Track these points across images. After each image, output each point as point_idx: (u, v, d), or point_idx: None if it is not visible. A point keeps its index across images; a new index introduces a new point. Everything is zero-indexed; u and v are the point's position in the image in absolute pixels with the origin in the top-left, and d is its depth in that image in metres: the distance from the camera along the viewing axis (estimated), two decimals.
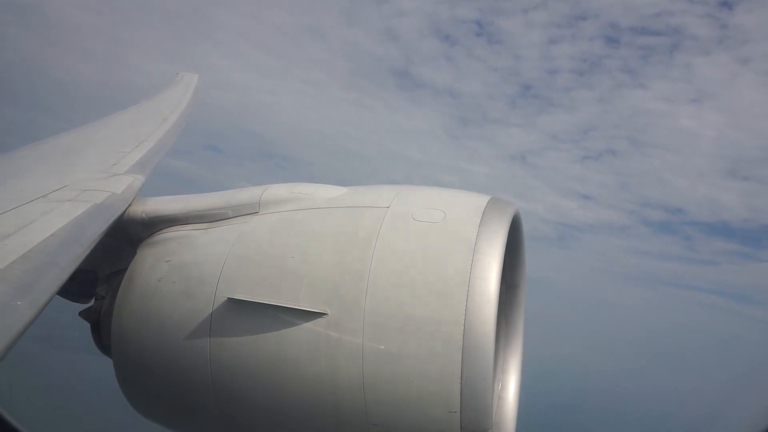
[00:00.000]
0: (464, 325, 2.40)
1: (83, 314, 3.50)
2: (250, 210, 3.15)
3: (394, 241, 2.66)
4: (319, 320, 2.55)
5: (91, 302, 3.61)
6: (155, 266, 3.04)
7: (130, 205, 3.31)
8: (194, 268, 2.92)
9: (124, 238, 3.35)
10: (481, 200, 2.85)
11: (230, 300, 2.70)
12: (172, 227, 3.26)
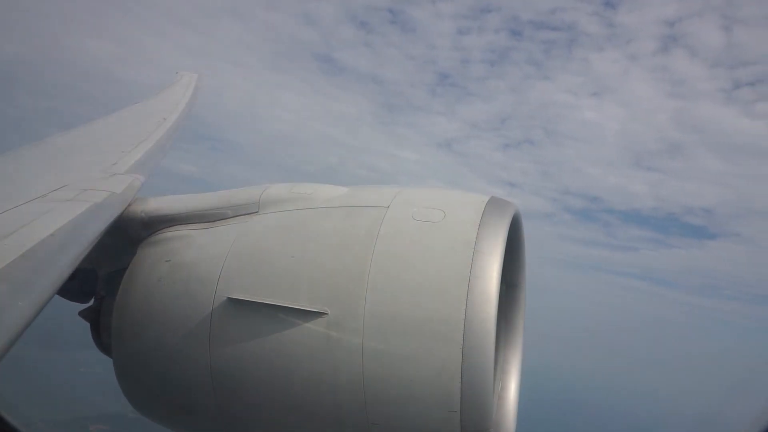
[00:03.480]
0: (464, 324, 2.40)
1: (83, 313, 3.50)
2: (250, 210, 3.15)
3: (394, 241, 2.66)
4: (319, 320, 2.55)
5: (91, 301, 3.61)
6: (155, 266, 3.04)
7: (129, 204, 3.31)
8: (194, 267, 2.92)
9: (124, 237, 3.34)
10: (481, 200, 2.85)
11: (230, 300, 2.70)
12: (172, 227, 3.26)
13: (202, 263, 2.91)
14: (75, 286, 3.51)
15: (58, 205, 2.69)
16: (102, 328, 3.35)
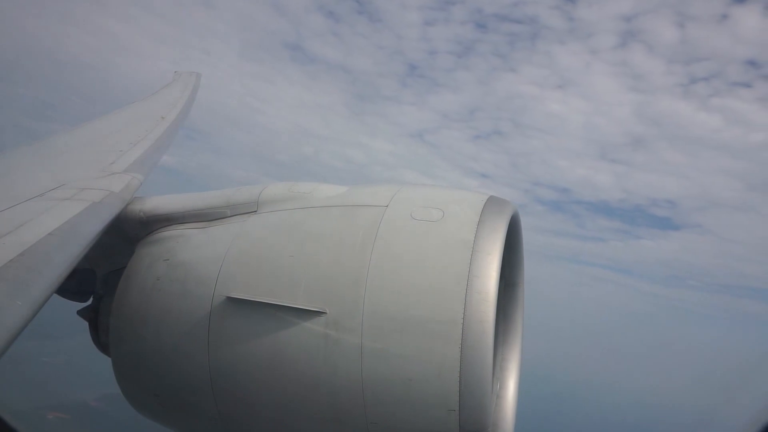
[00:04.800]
0: (463, 323, 2.40)
1: (81, 313, 3.50)
2: (249, 209, 3.15)
3: (392, 240, 2.66)
4: (318, 319, 2.55)
5: (90, 301, 3.61)
6: (153, 265, 3.04)
7: (128, 204, 3.30)
8: (192, 267, 2.92)
9: (123, 236, 3.34)
10: (480, 199, 2.86)
11: (229, 299, 2.70)
12: (170, 226, 3.26)
13: (201, 262, 2.91)
14: (73, 285, 3.50)
15: (56, 204, 2.69)
16: (100, 327, 3.35)
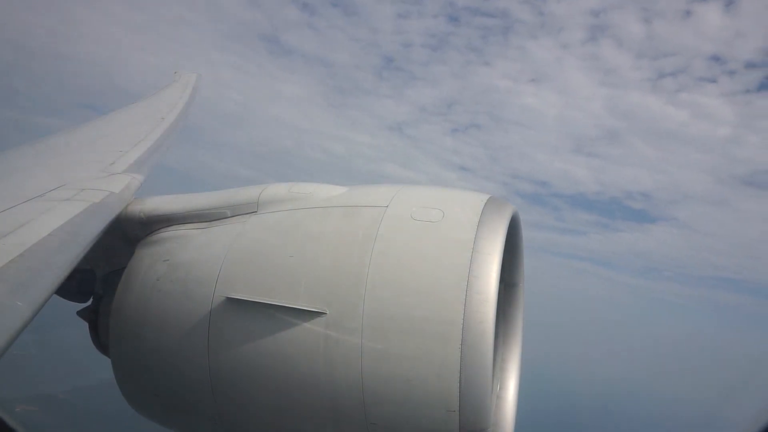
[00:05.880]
0: (463, 324, 2.40)
1: (81, 313, 3.50)
2: (249, 209, 3.16)
3: (392, 241, 2.66)
4: (318, 320, 2.55)
5: (90, 301, 3.61)
6: (153, 266, 3.04)
7: (128, 204, 3.31)
8: (192, 267, 2.92)
9: (123, 237, 3.35)
10: (480, 200, 2.86)
11: (229, 299, 2.70)
12: (170, 227, 3.26)
13: (201, 263, 2.91)
14: (73, 285, 3.51)
15: (56, 205, 2.69)
16: (100, 328, 3.35)
